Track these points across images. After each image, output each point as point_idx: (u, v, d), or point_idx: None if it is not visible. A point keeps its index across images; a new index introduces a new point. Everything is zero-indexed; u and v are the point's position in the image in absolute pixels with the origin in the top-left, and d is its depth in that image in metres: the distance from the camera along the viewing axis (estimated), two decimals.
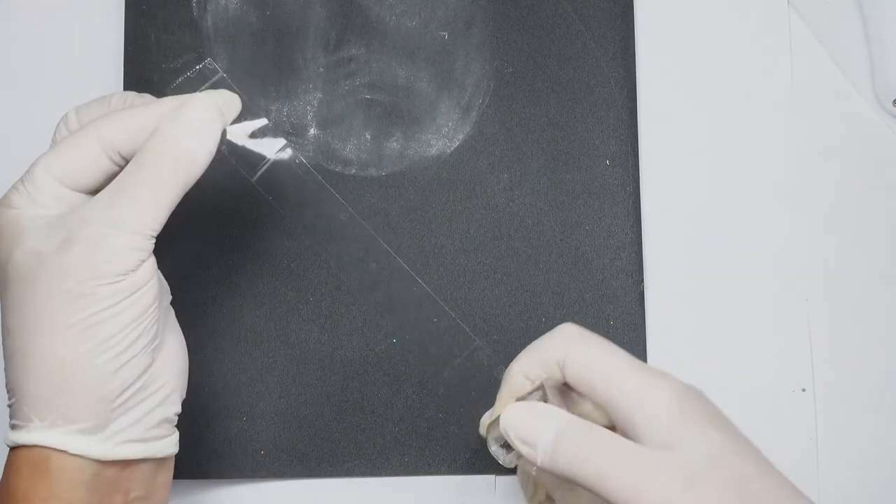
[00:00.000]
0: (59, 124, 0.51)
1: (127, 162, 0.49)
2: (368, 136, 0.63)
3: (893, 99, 0.63)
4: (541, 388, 0.49)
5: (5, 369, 0.48)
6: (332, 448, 0.60)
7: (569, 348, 0.48)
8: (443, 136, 0.63)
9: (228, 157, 0.51)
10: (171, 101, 0.49)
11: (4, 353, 0.48)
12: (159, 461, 0.50)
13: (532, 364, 0.49)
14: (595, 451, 0.44)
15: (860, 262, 0.63)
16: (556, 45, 0.64)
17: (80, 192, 0.49)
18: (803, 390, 0.61)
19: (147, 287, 0.48)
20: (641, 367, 0.46)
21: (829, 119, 0.64)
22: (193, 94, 0.50)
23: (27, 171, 0.49)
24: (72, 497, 0.46)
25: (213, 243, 0.62)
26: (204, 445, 0.60)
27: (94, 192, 0.49)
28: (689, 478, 0.43)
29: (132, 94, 0.52)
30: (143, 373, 0.48)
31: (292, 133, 0.63)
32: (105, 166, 0.49)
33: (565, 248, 0.62)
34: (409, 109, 0.63)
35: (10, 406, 0.48)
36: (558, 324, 0.61)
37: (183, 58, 0.63)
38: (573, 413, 0.47)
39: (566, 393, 0.49)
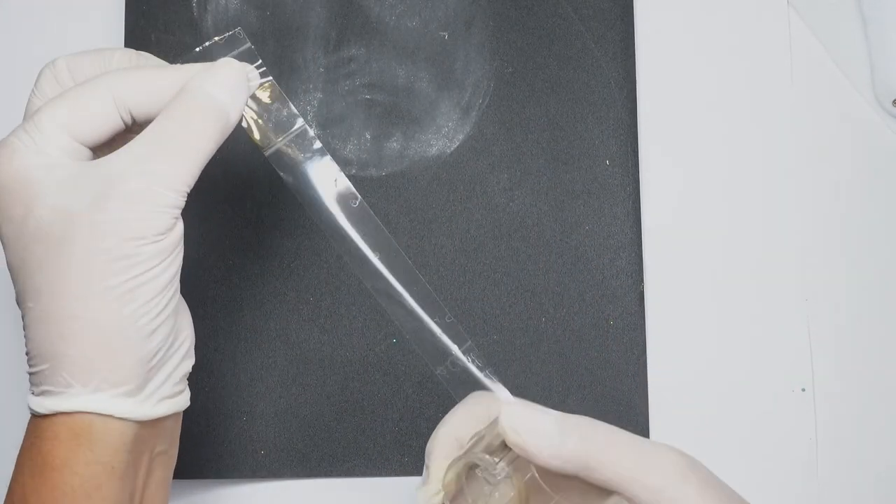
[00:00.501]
0: (44, 70, 0.49)
1: (135, 122, 0.47)
2: (368, 136, 0.63)
3: (893, 99, 0.64)
4: (479, 440, 0.47)
5: (30, 335, 0.46)
6: (332, 448, 0.60)
7: (495, 404, 0.47)
8: (443, 136, 0.63)
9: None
10: (195, 66, 0.48)
11: (30, 317, 0.46)
12: (176, 416, 0.50)
13: (461, 423, 0.48)
14: (601, 432, 0.44)
15: (860, 262, 0.63)
16: (556, 45, 0.64)
17: (85, 146, 0.47)
18: (803, 390, 0.61)
19: (181, 246, 0.47)
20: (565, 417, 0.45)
21: (829, 119, 0.64)
22: (219, 60, 0.49)
23: (31, 119, 0.47)
24: (114, 461, 0.46)
25: (213, 243, 0.62)
26: (204, 445, 0.60)
27: (95, 149, 0.47)
28: (685, 464, 0.43)
29: (133, 52, 0.50)
30: (171, 330, 0.47)
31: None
32: (115, 124, 0.47)
33: (565, 248, 0.62)
34: (409, 109, 0.63)
35: (37, 373, 0.46)
36: (558, 324, 0.61)
37: (183, 58, 0.63)
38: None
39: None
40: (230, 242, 0.62)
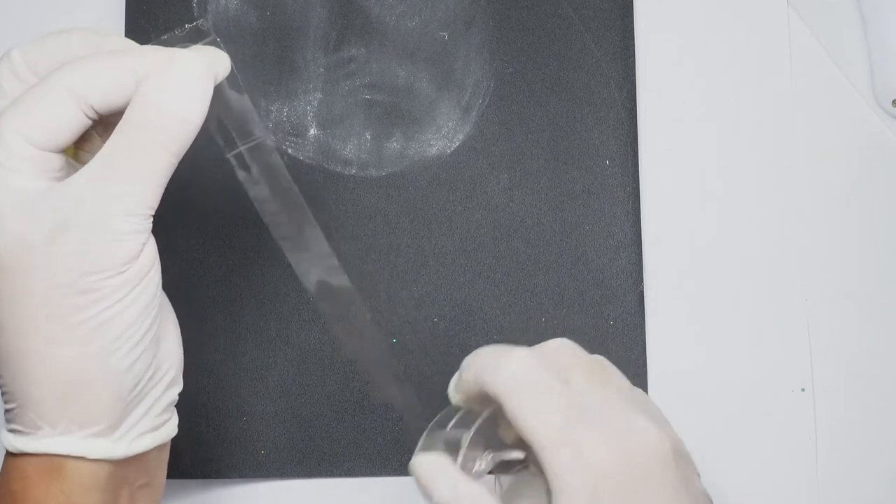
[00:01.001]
0: None
1: (99, 115, 0.43)
2: (368, 136, 0.63)
3: (893, 99, 0.64)
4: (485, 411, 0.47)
5: (1, 370, 0.44)
6: (332, 448, 0.60)
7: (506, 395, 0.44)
8: (443, 136, 0.63)
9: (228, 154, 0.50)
10: (153, 55, 0.43)
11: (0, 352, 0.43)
12: (161, 446, 0.47)
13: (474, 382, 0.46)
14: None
15: (860, 262, 0.63)
16: (556, 45, 0.64)
17: (52, 151, 0.43)
18: (803, 390, 0.61)
19: (153, 272, 0.43)
20: (563, 436, 0.42)
21: (829, 119, 0.64)
22: (179, 51, 0.44)
23: None
24: (87, 501, 0.44)
25: (213, 243, 0.62)
26: (204, 445, 0.60)
27: (65, 149, 0.44)
28: None
29: (92, 32, 0.45)
30: (151, 361, 0.44)
31: (292, 133, 0.63)
32: (79, 121, 0.43)
33: (565, 248, 0.62)
34: (409, 109, 0.63)
35: (9, 410, 0.44)
36: (558, 324, 0.61)
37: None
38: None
39: None
40: (230, 242, 0.62)
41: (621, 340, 0.61)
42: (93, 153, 0.46)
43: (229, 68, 0.46)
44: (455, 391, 0.47)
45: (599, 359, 0.47)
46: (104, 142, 0.46)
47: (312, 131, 0.63)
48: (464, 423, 0.47)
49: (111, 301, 0.42)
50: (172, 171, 0.43)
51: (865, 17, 0.64)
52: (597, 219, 0.62)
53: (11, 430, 0.44)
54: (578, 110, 0.63)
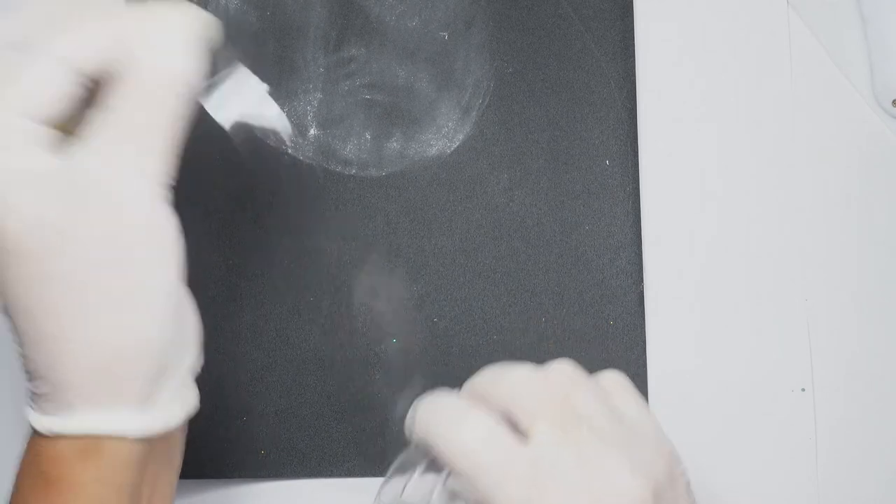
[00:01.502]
0: None
1: (90, 80, 0.42)
2: (368, 136, 0.63)
3: (893, 99, 0.64)
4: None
5: (27, 353, 0.42)
6: (332, 448, 0.60)
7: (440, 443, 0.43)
8: (443, 136, 0.63)
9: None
10: (138, 15, 0.42)
11: (24, 337, 0.42)
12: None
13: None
14: None
15: (860, 262, 0.63)
16: (556, 45, 0.64)
17: (48, 124, 0.41)
18: (803, 390, 0.61)
19: (178, 242, 0.43)
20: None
21: (829, 119, 0.64)
22: (163, 10, 0.42)
23: None
24: (122, 480, 0.43)
25: (213, 243, 0.62)
26: (204, 445, 0.60)
27: (59, 122, 0.42)
28: None
29: None
30: (178, 332, 0.44)
31: (292, 133, 0.63)
32: (74, 91, 0.41)
33: (565, 248, 0.62)
34: (409, 109, 0.63)
35: (38, 393, 0.43)
36: (558, 324, 0.61)
37: None
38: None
39: None
40: (230, 242, 0.62)
41: (621, 340, 0.61)
42: (79, 122, 0.45)
43: (215, 24, 0.43)
44: (410, 435, 0.45)
45: (563, 380, 0.44)
46: (87, 111, 0.44)
47: (312, 131, 0.63)
48: (428, 473, 0.45)
49: (139, 273, 0.41)
50: (182, 134, 0.42)
51: (865, 17, 0.64)
52: (597, 219, 0.62)
53: (42, 412, 0.43)
54: (578, 110, 0.63)
